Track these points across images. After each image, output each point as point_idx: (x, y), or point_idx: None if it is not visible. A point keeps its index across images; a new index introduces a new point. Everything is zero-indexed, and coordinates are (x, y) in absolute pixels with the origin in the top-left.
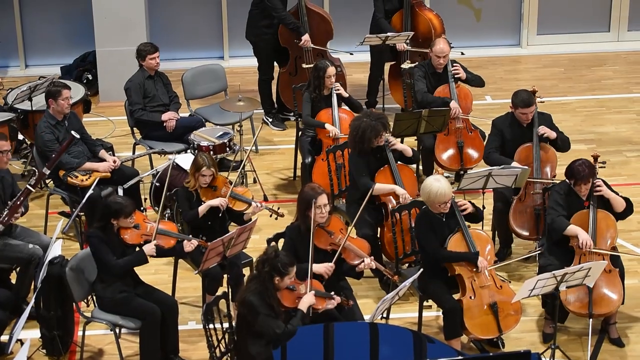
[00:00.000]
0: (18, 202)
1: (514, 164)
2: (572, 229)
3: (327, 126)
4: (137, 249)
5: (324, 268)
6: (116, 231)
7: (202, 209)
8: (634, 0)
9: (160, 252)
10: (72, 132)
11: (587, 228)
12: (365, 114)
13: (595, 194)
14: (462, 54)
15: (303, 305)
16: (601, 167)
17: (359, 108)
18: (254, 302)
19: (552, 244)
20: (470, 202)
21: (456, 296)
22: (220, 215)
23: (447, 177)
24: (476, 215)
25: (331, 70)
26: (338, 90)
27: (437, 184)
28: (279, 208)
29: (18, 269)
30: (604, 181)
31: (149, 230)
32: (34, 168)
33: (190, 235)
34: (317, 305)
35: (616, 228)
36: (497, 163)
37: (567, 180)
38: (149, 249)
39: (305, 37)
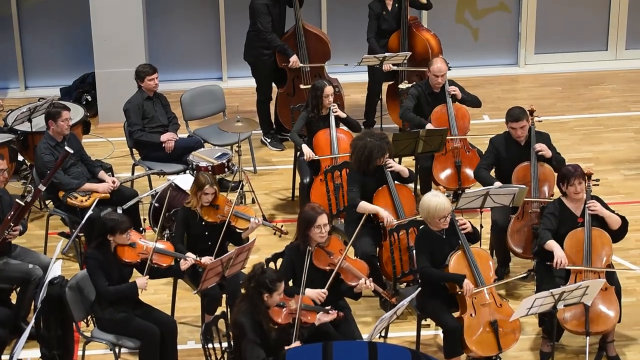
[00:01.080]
0: (9, 217)
1: (497, 184)
2: (550, 244)
3: (303, 147)
4: (134, 268)
5: (315, 294)
6: (113, 250)
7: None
8: (631, 18)
9: (158, 273)
10: (66, 148)
11: (581, 246)
12: (367, 134)
13: (589, 212)
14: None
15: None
16: (595, 184)
17: (358, 127)
18: (244, 324)
19: (547, 263)
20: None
21: (455, 314)
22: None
23: (446, 196)
24: (474, 236)
25: (328, 89)
26: (336, 111)
27: (436, 199)
28: (282, 226)
29: (18, 289)
30: (598, 199)
31: (145, 248)
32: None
33: (187, 254)
34: (308, 319)
35: (611, 246)
36: (484, 179)
37: (561, 187)
38: (141, 282)
39: (294, 58)
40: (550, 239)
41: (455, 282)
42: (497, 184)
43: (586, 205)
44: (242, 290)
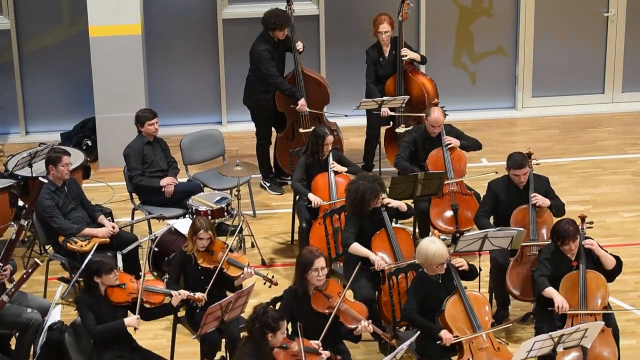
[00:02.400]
0: None
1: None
2: (548, 291)
3: (310, 196)
4: (128, 310)
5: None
6: (104, 293)
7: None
8: (627, 62)
9: (152, 313)
10: (40, 178)
11: (577, 289)
12: (360, 177)
13: (585, 248)
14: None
15: None
16: (589, 227)
17: (359, 172)
18: None
19: (543, 305)
20: (468, 264)
21: (454, 358)
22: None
23: (443, 239)
24: (471, 273)
25: (330, 138)
26: (335, 169)
27: (433, 245)
28: (273, 277)
29: (17, 334)
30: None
31: (135, 288)
32: (34, 235)
33: (179, 290)
34: None
35: (607, 288)
36: (483, 228)
37: (554, 241)
38: (130, 320)
39: (302, 102)
40: (548, 285)
41: (433, 331)
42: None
43: (582, 243)
44: (243, 334)
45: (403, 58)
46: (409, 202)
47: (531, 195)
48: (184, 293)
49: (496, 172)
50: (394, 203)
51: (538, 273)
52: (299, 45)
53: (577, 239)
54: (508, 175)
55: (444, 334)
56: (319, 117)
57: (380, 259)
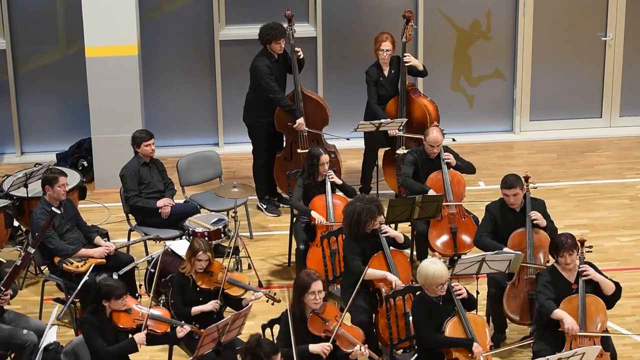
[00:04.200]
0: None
1: (506, 249)
2: (558, 313)
3: (313, 213)
4: (130, 334)
5: (320, 347)
6: (109, 316)
7: (195, 310)
8: (625, 86)
9: (153, 340)
10: (53, 209)
11: (576, 313)
12: (358, 199)
13: (583, 279)
14: (454, 140)
15: None
16: (588, 251)
17: (353, 194)
18: None
19: (543, 329)
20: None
21: None
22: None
23: (442, 262)
24: (470, 302)
25: (325, 158)
26: (332, 178)
27: (434, 265)
28: (275, 294)
29: (13, 355)
30: (591, 265)
31: (141, 315)
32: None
33: (183, 322)
34: None
35: (605, 312)
36: (488, 247)
37: (553, 256)
38: (139, 337)
39: (300, 121)
40: (555, 308)
41: (465, 347)
42: (505, 249)
43: (580, 271)
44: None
45: (406, 64)
46: (407, 227)
47: (529, 214)
48: (188, 327)
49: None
50: (392, 233)
51: (543, 297)
52: (298, 50)
53: (573, 253)
54: (503, 198)
55: (476, 347)
56: (317, 138)
57: (397, 279)
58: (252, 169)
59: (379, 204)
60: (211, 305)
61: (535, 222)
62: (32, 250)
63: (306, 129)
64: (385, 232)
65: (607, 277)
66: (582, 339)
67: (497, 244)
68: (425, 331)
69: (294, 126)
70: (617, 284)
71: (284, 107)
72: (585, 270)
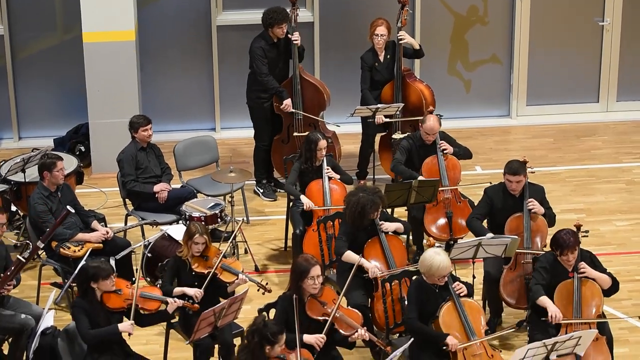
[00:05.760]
0: (9, 273)
1: (490, 234)
2: (542, 300)
3: (302, 198)
4: (124, 316)
5: (314, 339)
6: (100, 298)
7: (177, 290)
8: (622, 71)
9: (147, 319)
10: (68, 207)
11: (571, 297)
12: (360, 189)
13: (579, 276)
14: (441, 115)
15: None
16: (584, 236)
17: (350, 181)
18: None
19: (537, 313)
20: (463, 282)
21: None
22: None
23: (438, 246)
24: (468, 294)
25: (322, 143)
26: (329, 174)
27: (438, 257)
28: (267, 283)
29: (10, 340)
30: (590, 254)
31: (131, 294)
32: (27, 240)
33: (175, 298)
34: None
35: (601, 296)
36: (475, 230)
37: (553, 251)
38: (124, 326)
39: (287, 102)
40: (542, 294)
41: (438, 339)
42: (489, 234)
43: (577, 265)
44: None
45: (400, 42)
46: (404, 212)
47: (527, 201)
48: (180, 301)
49: (490, 183)
50: (391, 228)
51: (533, 281)
52: (296, 36)
53: (575, 251)
54: (504, 183)
55: (450, 339)
56: (314, 123)
57: (374, 266)
58: (254, 152)
59: (381, 195)
60: (193, 291)
61: (533, 211)
62: (42, 245)
63: (300, 112)
64: (386, 230)
65: (605, 270)
66: (578, 324)
67: (484, 229)
68: (409, 312)
69: (281, 107)
70: (614, 279)
71: (270, 89)
72: (582, 268)
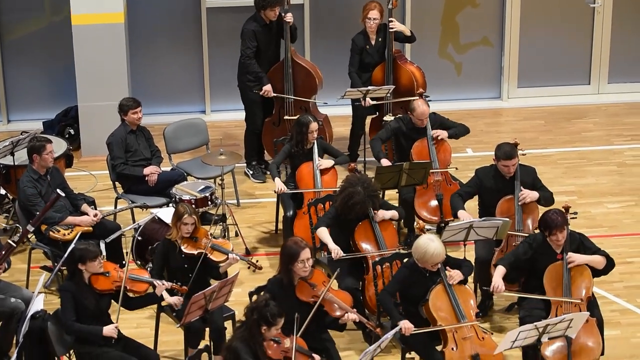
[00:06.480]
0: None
1: (462, 212)
2: (496, 269)
3: (276, 180)
4: (112, 298)
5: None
6: (88, 281)
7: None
8: (613, 53)
9: (136, 302)
10: (58, 191)
11: (561, 279)
12: (361, 182)
13: (569, 266)
14: (427, 96)
15: None
16: (573, 218)
17: (347, 161)
18: (238, 349)
19: (484, 288)
20: (461, 261)
21: (438, 348)
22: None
23: (428, 229)
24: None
25: (313, 125)
26: (321, 167)
27: (433, 244)
28: (257, 261)
29: (0, 324)
30: (580, 235)
31: (119, 276)
32: (17, 224)
33: (163, 281)
34: None
35: (591, 278)
36: (452, 204)
37: (542, 231)
38: (109, 330)
39: (266, 87)
40: (461, 208)
41: (392, 319)
42: (461, 212)
43: (565, 257)
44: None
45: (391, 29)
46: (395, 195)
47: (519, 193)
48: (168, 283)
49: (456, 169)
50: (386, 216)
51: (513, 250)
52: (288, 17)
53: (564, 230)
54: (495, 165)
55: (404, 324)
56: (305, 106)
57: (338, 249)
58: (244, 134)
59: (377, 196)
60: (174, 299)
61: (525, 201)
62: (32, 229)
63: (292, 96)
64: (382, 218)
65: (598, 249)
66: (568, 305)
67: (458, 205)
68: (387, 286)
69: (260, 93)
70: (608, 257)
71: (251, 73)
72: (570, 260)
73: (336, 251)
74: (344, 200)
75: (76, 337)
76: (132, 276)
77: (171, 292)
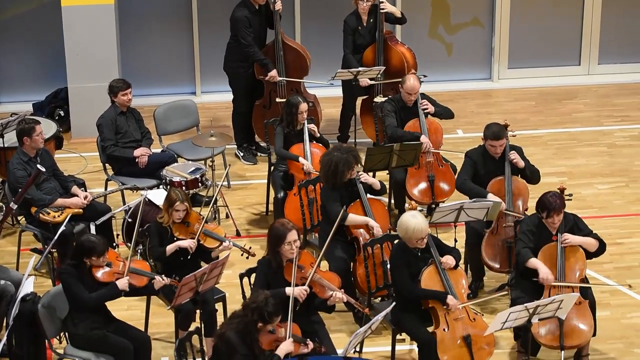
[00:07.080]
0: None
1: (490, 195)
2: (533, 262)
3: (301, 159)
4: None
5: (298, 290)
6: (88, 269)
7: (170, 248)
8: (604, 33)
9: (132, 291)
10: (38, 166)
11: (555, 261)
12: (335, 149)
13: (563, 246)
14: (425, 76)
15: (281, 352)
16: (568, 199)
17: (328, 145)
18: (232, 340)
19: (521, 277)
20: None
21: (430, 329)
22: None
23: (420, 210)
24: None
25: (303, 106)
26: (313, 129)
27: (414, 220)
28: (250, 248)
29: None
30: (574, 216)
31: (121, 268)
32: (5, 204)
33: (163, 275)
34: (292, 351)
35: (584, 260)
36: (472, 191)
37: (539, 213)
38: (122, 283)
39: (272, 73)
40: (531, 256)
41: (439, 299)
42: (490, 195)
43: (560, 237)
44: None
45: (381, 11)
46: (385, 176)
47: (508, 159)
48: (167, 279)
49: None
50: (369, 180)
51: (521, 244)
52: (278, 5)
53: (561, 213)
54: (484, 146)
55: (450, 299)
56: (296, 87)
57: (379, 225)
58: (232, 117)
59: (355, 153)
60: (188, 242)
61: (514, 161)
62: (15, 207)
63: (283, 79)
64: (362, 176)
65: (591, 232)
66: (562, 287)
67: (480, 190)
68: (402, 280)
69: (266, 78)
70: (600, 240)
71: (256, 61)
72: (564, 239)
73: (377, 228)
74: (326, 170)
75: (97, 305)
76: (135, 270)
77: (169, 288)
